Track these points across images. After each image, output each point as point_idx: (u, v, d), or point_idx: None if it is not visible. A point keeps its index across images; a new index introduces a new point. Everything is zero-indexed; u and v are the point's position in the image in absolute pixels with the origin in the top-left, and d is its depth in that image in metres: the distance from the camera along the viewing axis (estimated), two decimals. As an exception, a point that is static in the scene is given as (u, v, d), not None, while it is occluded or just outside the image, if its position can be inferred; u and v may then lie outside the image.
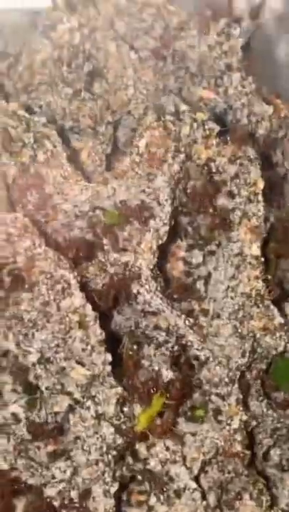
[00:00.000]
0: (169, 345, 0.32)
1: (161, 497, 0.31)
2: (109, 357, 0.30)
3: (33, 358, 0.30)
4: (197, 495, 0.31)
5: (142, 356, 0.32)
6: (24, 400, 0.32)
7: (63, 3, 0.36)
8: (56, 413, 0.31)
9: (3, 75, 0.33)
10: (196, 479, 0.31)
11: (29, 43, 0.34)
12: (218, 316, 0.32)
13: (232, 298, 0.33)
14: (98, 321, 0.30)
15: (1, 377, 0.33)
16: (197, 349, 0.32)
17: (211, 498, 0.31)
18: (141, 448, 0.31)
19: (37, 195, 0.32)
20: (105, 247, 0.32)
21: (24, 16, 0.36)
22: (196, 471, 0.31)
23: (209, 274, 0.33)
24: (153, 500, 0.32)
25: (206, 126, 0.32)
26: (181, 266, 0.34)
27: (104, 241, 0.32)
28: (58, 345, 0.30)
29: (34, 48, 0.34)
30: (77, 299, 0.30)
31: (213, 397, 0.32)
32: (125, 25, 0.36)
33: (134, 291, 0.32)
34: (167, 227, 0.32)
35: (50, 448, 0.32)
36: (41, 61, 0.34)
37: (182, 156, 0.31)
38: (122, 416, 0.31)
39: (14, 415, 0.31)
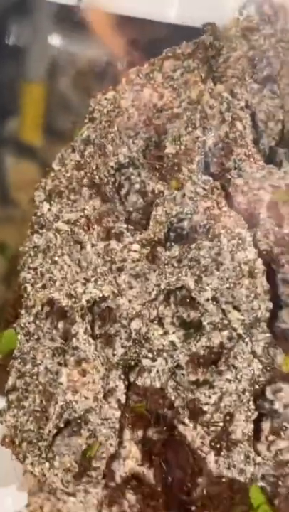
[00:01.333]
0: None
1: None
2: (270, 305, 0.36)
3: (206, 295, 0.37)
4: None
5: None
6: (181, 332, 0.39)
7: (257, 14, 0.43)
8: (211, 347, 0.38)
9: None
10: None
11: (230, 40, 0.41)
12: None
13: None
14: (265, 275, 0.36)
15: (165, 311, 0.39)
16: None
17: None
18: (271, 389, 0.38)
19: (220, 166, 0.39)
20: (267, 220, 0.38)
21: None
22: None
23: None
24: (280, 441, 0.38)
25: None
26: None
27: (268, 214, 0.38)
28: (225, 289, 0.37)
29: (232, 45, 0.41)
30: (251, 253, 0.36)
31: None
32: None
33: (282, 261, 0.38)
34: None
35: (194, 377, 0.38)
36: (236, 58, 0.41)
37: None
38: (268, 357, 0.37)
39: (172, 343, 0.38)
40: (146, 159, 0.42)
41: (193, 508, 0.40)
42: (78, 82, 0.65)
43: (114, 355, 0.40)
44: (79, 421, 0.41)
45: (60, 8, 0.61)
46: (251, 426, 0.38)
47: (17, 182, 0.65)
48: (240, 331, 0.38)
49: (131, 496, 0.40)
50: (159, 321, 0.40)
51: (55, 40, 0.65)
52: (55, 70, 0.67)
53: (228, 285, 0.37)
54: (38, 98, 0.63)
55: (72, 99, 0.66)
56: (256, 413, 0.38)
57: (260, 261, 0.37)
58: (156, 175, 0.41)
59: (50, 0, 0.60)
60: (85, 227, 0.41)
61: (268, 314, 0.37)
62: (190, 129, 0.39)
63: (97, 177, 0.42)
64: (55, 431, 0.41)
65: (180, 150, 0.39)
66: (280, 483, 0.39)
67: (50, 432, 0.41)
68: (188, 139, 0.39)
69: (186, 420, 0.39)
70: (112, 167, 0.42)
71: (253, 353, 0.38)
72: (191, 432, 0.40)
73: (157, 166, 0.40)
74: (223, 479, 0.39)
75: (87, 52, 0.63)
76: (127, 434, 0.40)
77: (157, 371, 0.39)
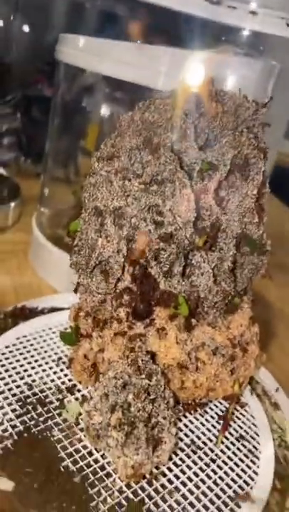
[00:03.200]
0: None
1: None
2: (194, 214, 0.69)
3: (166, 208, 0.67)
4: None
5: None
6: (154, 225, 0.61)
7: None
8: (166, 232, 0.63)
9: None
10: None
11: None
12: None
13: None
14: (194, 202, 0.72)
15: (147, 216, 0.62)
16: None
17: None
18: (191, 254, 0.69)
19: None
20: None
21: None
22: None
23: None
24: (194, 277, 0.74)
25: None
26: None
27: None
28: (175, 207, 0.67)
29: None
30: (189, 189, 0.64)
31: None
32: None
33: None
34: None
35: (158, 246, 0.62)
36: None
37: None
38: (192, 238, 0.67)
39: (150, 230, 0.62)
40: (143, 145, 0.62)
41: (152, 303, 0.66)
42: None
43: (122, 233, 0.62)
44: (105, 262, 0.64)
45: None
46: (181, 269, 0.63)
47: (82, 166, 1.36)
48: (181, 225, 0.61)
49: (126, 296, 0.66)
50: (144, 219, 0.62)
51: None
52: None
53: (176, 205, 0.60)
54: (95, 130, 1.29)
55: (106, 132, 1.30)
56: (184, 263, 0.63)
57: (192, 194, 0.61)
58: (147, 152, 0.61)
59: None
60: (114, 174, 0.62)
61: (193, 219, 0.60)
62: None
63: (119, 153, 0.64)
64: (94, 264, 0.64)
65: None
66: (190, 296, 0.68)
67: (91, 265, 0.64)
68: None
69: (153, 264, 0.63)
70: (127, 148, 0.63)
71: (185, 236, 0.61)
72: (154, 269, 0.64)
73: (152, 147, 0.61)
74: (167, 291, 0.65)
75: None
76: (125, 270, 0.64)
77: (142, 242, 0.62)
